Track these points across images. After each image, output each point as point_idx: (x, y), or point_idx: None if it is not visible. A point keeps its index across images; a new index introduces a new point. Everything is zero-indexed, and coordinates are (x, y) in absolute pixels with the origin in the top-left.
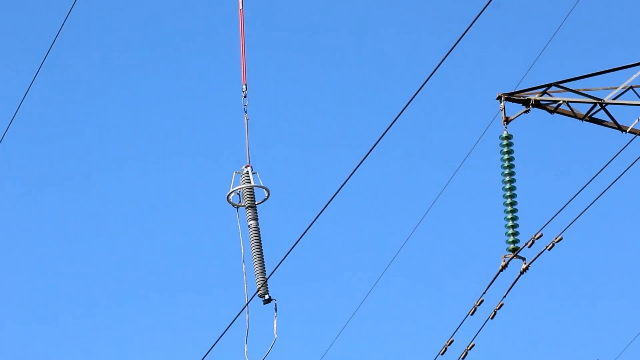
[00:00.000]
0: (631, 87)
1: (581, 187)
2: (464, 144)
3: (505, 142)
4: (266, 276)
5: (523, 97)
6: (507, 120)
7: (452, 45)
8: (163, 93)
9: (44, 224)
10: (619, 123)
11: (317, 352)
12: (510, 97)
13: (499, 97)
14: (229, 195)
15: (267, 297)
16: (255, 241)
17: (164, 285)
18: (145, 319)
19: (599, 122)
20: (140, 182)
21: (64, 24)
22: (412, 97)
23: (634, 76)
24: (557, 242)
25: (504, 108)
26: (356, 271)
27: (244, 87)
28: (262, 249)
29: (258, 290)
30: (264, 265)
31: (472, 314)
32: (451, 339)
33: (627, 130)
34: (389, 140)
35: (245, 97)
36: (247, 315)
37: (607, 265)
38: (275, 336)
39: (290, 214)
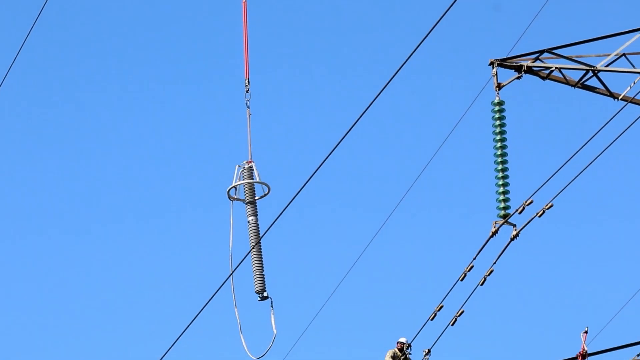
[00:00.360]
0: (624, 55)
1: (572, 154)
2: (456, 110)
3: (497, 108)
4: (264, 273)
5: (515, 63)
6: (499, 86)
7: (445, 11)
8: (166, 86)
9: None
10: (611, 90)
11: (309, 313)
12: (502, 63)
13: (492, 63)
14: (229, 190)
15: (264, 294)
16: (254, 238)
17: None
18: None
19: (591, 89)
20: (142, 176)
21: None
22: (404, 62)
23: (627, 43)
24: (548, 208)
25: (497, 74)
26: (346, 236)
27: (247, 81)
28: (260, 246)
29: (255, 287)
30: (262, 262)
31: (462, 280)
32: (441, 305)
33: (619, 98)
34: (381, 106)
35: (247, 91)
36: (236, 311)
37: (597, 232)
38: (275, 332)
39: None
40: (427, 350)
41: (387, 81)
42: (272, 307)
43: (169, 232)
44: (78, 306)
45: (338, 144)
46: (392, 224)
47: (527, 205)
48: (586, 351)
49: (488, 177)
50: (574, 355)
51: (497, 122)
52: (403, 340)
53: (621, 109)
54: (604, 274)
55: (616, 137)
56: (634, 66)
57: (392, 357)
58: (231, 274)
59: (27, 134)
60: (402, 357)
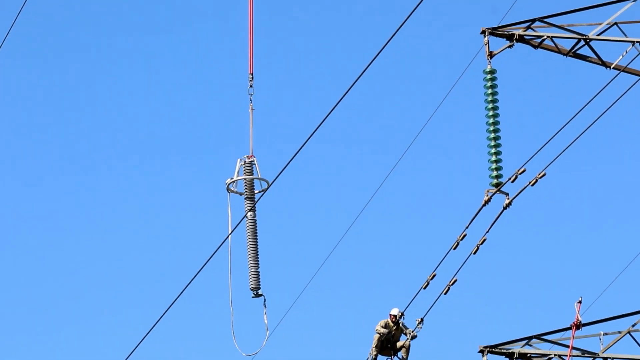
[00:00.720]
0: (616, 23)
1: (565, 123)
2: (448, 78)
3: (489, 76)
4: (259, 270)
5: (507, 32)
6: (490, 55)
7: None
8: (169, 80)
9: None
10: (603, 59)
11: (301, 282)
12: (494, 32)
13: (483, 32)
14: (228, 184)
15: (258, 292)
16: (251, 234)
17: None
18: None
19: (583, 57)
20: (143, 169)
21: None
22: (396, 30)
23: (619, 12)
24: (541, 177)
25: (488, 43)
26: (338, 206)
27: (250, 75)
28: (257, 242)
29: (250, 284)
30: (257, 259)
31: (455, 249)
32: (434, 274)
33: (612, 67)
34: (372, 75)
35: (251, 86)
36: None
37: (590, 201)
38: (267, 331)
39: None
40: (419, 320)
41: (379, 50)
42: (265, 305)
43: (167, 226)
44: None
45: (331, 112)
46: (383, 194)
47: (520, 174)
48: (580, 321)
49: (480, 146)
50: (568, 325)
51: (489, 91)
52: (394, 312)
53: (613, 78)
54: (598, 243)
55: (609, 106)
56: (626, 35)
57: (383, 326)
58: (230, 274)
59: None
60: (394, 327)
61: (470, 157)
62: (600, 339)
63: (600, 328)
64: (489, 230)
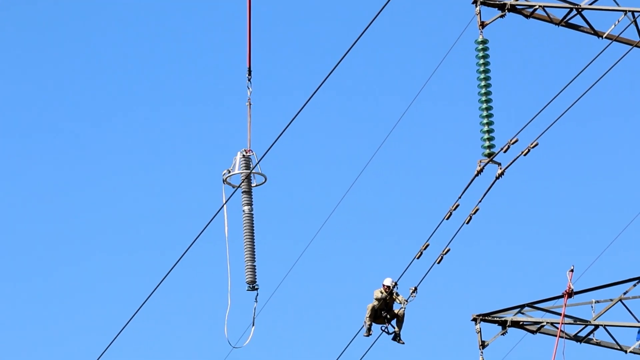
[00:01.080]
0: None
1: (557, 93)
2: (439, 48)
3: (480, 46)
4: (255, 264)
5: (499, 1)
6: (482, 25)
7: None
8: (168, 74)
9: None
10: (596, 28)
11: (295, 251)
12: (485, 2)
13: (475, 1)
14: (225, 178)
15: (254, 285)
16: (247, 228)
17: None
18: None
19: (575, 27)
20: (139, 163)
21: None
22: (387, 1)
23: None
24: (533, 147)
25: (480, 12)
26: (332, 175)
27: (249, 70)
28: (253, 236)
29: (247, 277)
30: (254, 253)
31: (447, 219)
32: (427, 244)
33: (604, 36)
34: (365, 45)
35: (249, 80)
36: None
37: (582, 171)
38: (254, 326)
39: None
40: (413, 289)
41: (370, 22)
42: (256, 300)
43: (164, 215)
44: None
45: (322, 84)
46: (374, 166)
47: (512, 144)
48: (572, 289)
49: (473, 116)
50: (560, 294)
51: (481, 61)
52: (387, 282)
53: (605, 47)
54: (590, 212)
55: (601, 75)
56: (618, 4)
57: (377, 297)
58: (229, 265)
59: None
60: (387, 297)
61: (463, 128)
62: (592, 307)
63: (592, 296)
64: (482, 200)
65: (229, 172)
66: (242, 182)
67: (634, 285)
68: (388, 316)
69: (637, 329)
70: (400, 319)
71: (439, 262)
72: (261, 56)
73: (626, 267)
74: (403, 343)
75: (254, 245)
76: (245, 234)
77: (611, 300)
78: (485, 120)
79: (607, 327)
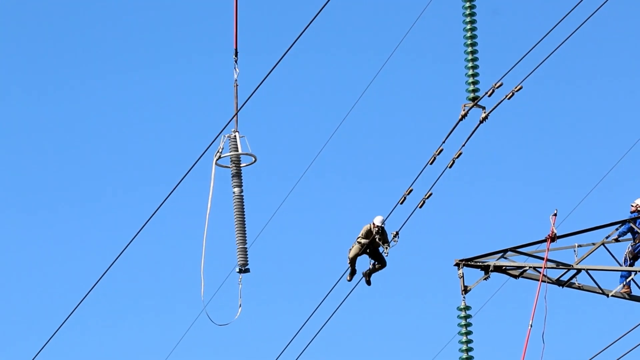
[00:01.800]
0: None
1: (542, 37)
2: None
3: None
4: (246, 246)
5: None
6: None
7: None
8: (155, 54)
9: None
10: None
11: (282, 194)
12: None
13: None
14: (216, 160)
15: (245, 268)
16: (237, 210)
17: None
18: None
19: None
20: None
21: None
22: None
23: None
24: (517, 91)
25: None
26: (315, 122)
27: (235, 51)
28: (244, 219)
29: (239, 260)
30: (245, 235)
31: (431, 164)
32: (410, 189)
33: None
34: None
35: (236, 62)
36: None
37: (565, 114)
38: (240, 309)
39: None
40: (395, 233)
41: None
42: (240, 282)
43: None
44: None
45: (305, 30)
46: (359, 110)
47: (497, 87)
48: (555, 234)
49: (457, 60)
50: (543, 238)
51: (467, 4)
52: (377, 221)
53: None
54: (573, 155)
55: (586, 18)
56: None
57: (364, 235)
58: (205, 242)
59: None
60: (377, 236)
61: (447, 71)
62: (574, 251)
63: (575, 240)
64: (465, 144)
65: (220, 154)
66: (233, 164)
67: (617, 229)
68: (373, 255)
69: (620, 273)
70: (381, 264)
71: (420, 207)
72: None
73: (609, 211)
74: (369, 285)
75: (245, 228)
76: (235, 217)
77: (594, 244)
78: (470, 64)
79: (589, 271)
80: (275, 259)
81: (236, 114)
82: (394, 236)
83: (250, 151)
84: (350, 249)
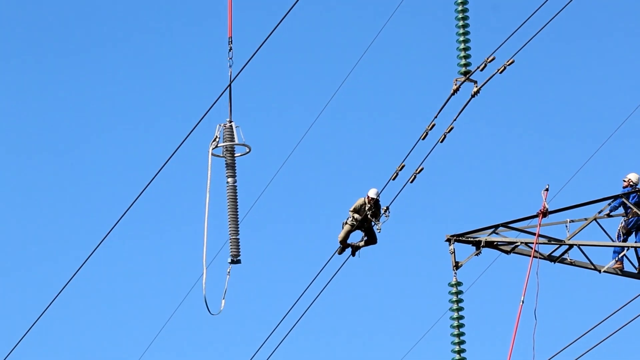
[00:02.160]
0: None
1: (534, 11)
2: None
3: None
4: (238, 237)
5: None
6: None
7: None
8: (149, 43)
9: None
10: None
11: (271, 170)
12: None
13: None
14: (211, 149)
15: (236, 259)
16: (231, 201)
17: None
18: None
19: None
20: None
21: None
22: None
23: None
24: (509, 65)
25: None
26: (308, 95)
27: (230, 40)
28: (237, 209)
29: (231, 251)
30: (237, 226)
31: (423, 139)
32: (402, 164)
33: None
34: None
35: (230, 49)
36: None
37: (557, 89)
38: (224, 301)
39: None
40: (385, 208)
41: None
42: (229, 273)
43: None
44: None
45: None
46: (350, 84)
47: (489, 62)
48: (547, 209)
49: (449, 34)
50: (535, 213)
51: None
52: (372, 194)
53: None
54: (565, 130)
55: None
56: None
57: (357, 208)
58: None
59: None
60: (369, 209)
61: (439, 46)
62: (566, 226)
63: (567, 215)
64: (457, 119)
65: (217, 143)
66: (227, 154)
67: (609, 204)
68: (365, 238)
69: (613, 249)
70: (372, 241)
71: (411, 182)
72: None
73: (601, 186)
74: (352, 255)
75: (238, 218)
76: (229, 207)
77: (586, 219)
78: (461, 38)
79: (581, 247)
80: (268, 237)
81: (230, 102)
82: (385, 211)
83: (243, 141)
84: (341, 232)
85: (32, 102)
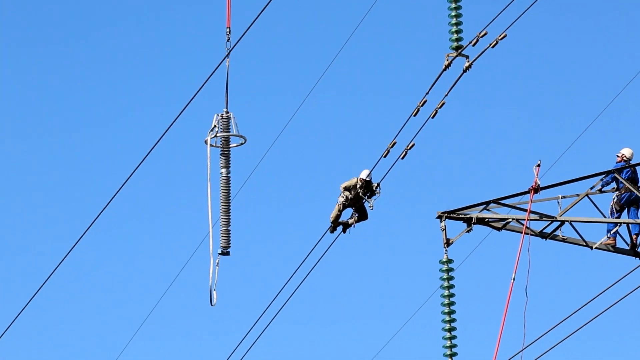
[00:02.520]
0: None
1: None
2: None
3: None
4: (229, 228)
5: None
6: None
7: None
8: (146, 33)
9: None
10: None
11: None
12: None
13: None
14: (207, 140)
15: (226, 250)
16: (223, 192)
17: None
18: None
19: None
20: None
21: None
22: None
23: None
24: (501, 39)
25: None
26: (298, 73)
27: (228, 30)
28: (229, 200)
29: (221, 243)
30: (229, 217)
31: (415, 115)
32: (394, 141)
33: None
34: None
35: (228, 40)
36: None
37: (549, 64)
38: (215, 297)
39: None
40: (375, 185)
41: None
42: (217, 264)
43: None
44: None
45: None
46: (341, 61)
47: (481, 37)
48: (538, 185)
49: (440, 9)
50: (526, 189)
51: None
52: (363, 175)
53: None
54: (557, 106)
55: None
56: None
57: (349, 187)
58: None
59: None
60: (361, 190)
61: (430, 21)
62: (558, 203)
63: (558, 191)
64: (448, 94)
65: (215, 133)
66: (222, 144)
67: (601, 179)
68: (356, 215)
69: (605, 225)
70: (363, 217)
71: (402, 158)
72: None
73: (593, 161)
74: (343, 232)
75: (230, 210)
76: (221, 198)
77: (577, 195)
78: (453, 13)
79: (573, 223)
80: (261, 213)
81: (227, 91)
82: (375, 187)
83: (237, 131)
84: (332, 211)
85: (21, 90)
